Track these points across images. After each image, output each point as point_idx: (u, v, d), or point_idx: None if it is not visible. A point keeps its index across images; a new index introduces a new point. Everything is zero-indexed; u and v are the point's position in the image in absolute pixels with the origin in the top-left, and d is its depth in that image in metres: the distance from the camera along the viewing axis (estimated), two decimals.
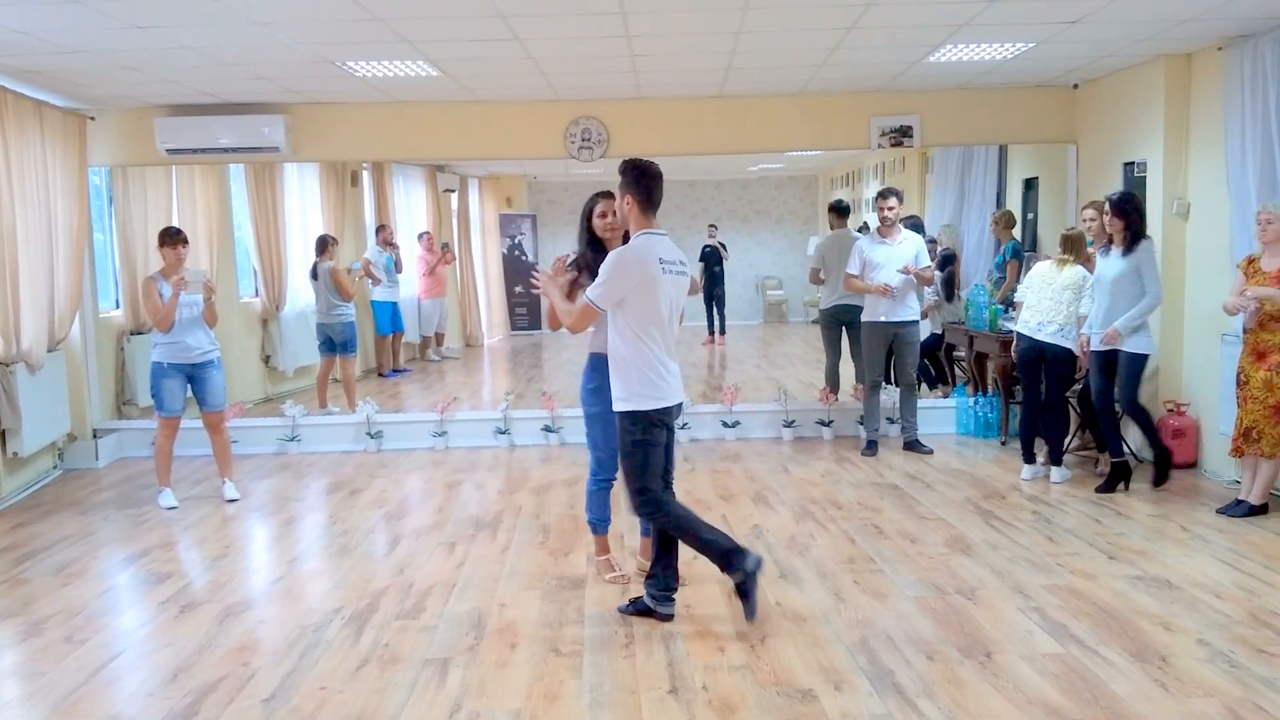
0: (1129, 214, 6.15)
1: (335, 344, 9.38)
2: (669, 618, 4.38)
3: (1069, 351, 6.44)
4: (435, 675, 3.91)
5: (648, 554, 4.81)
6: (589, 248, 4.73)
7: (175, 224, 8.79)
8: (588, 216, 4.78)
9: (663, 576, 4.41)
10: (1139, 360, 6.23)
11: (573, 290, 4.56)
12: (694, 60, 6.79)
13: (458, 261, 14.06)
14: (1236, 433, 5.74)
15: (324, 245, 9.37)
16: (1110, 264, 6.25)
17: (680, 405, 4.39)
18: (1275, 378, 5.55)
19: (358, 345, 9.64)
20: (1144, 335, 6.25)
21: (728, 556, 4.22)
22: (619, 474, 4.50)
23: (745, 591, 4.21)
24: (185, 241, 6.60)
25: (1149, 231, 6.36)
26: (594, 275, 4.30)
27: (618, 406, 4.28)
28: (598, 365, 4.58)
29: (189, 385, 6.59)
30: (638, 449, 4.26)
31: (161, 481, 6.63)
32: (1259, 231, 5.63)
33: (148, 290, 6.45)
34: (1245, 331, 5.73)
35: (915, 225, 9.32)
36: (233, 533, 6.07)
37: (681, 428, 8.30)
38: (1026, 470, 6.73)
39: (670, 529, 4.33)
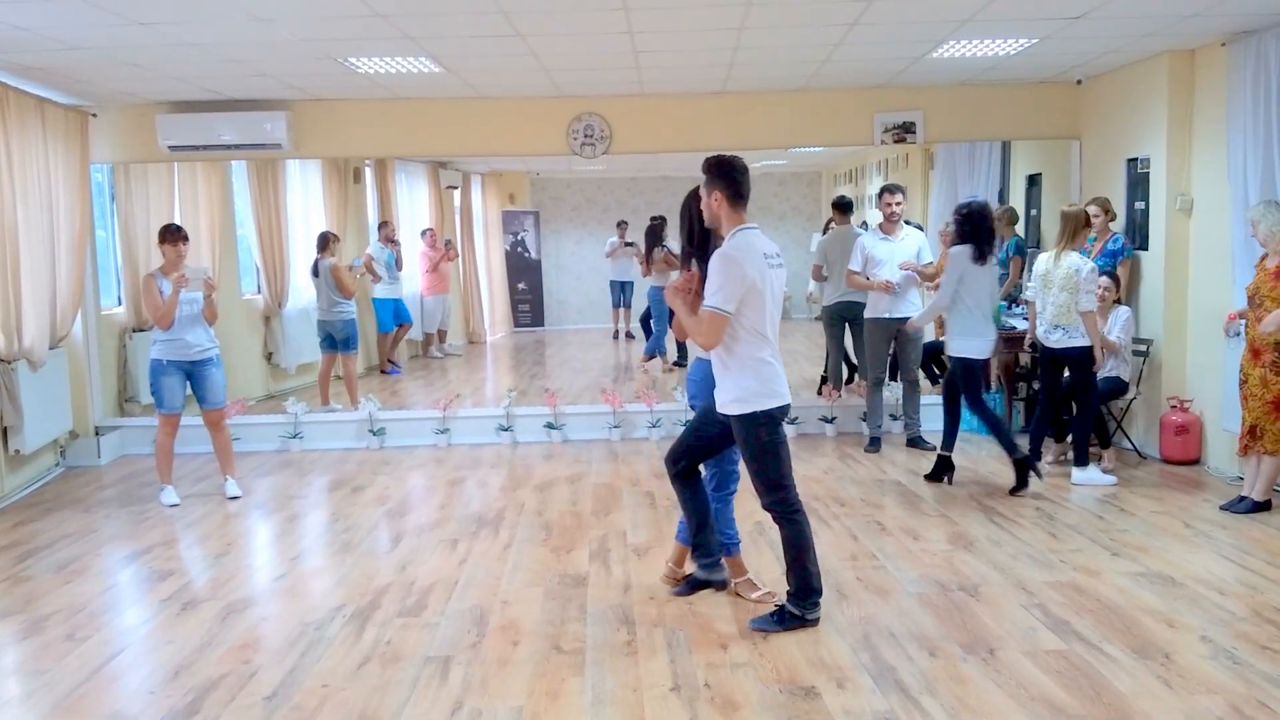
0: (967, 220, 6.44)
1: (336, 341, 9.38)
2: (724, 584, 4.54)
3: (1081, 350, 6.38)
4: (437, 673, 3.91)
5: (681, 561, 4.77)
6: (694, 243, 4.42)
7: (177, 221, 8.81)
8: (697, 212, 4.36)
9: (706, 545, 4.48)
10: (955, 363, 6.51)
11: (695, 299, 4.23)
12: (697, 56, 6.78)
13: (460, 258, 14.06)
14: (1243, 431, 5.74)
15: (325, 242, 9.36)
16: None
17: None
18: (1270, 374, 5.56)
19: (359, 343, 9.63)
20: (959, 339, 6.45)
21: (809, 594, 4.23)
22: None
23: (780, 619, 4.23)
24: (185, 239, 6.59)
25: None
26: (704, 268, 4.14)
27: (737, 410, 4.11)
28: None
29: (189, 383, 6.58)
30: (768, 450, 4.16)
31: (163, 479, 6.63)
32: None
33: (148, 287, 6.44)
34: (1245, 328, 5.75)
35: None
36: (235, 530, 6.08)
37: (684, 424, 8.27)
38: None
39: (791, 536, 4.23)
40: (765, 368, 4.12)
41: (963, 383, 6.49)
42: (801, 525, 4.24)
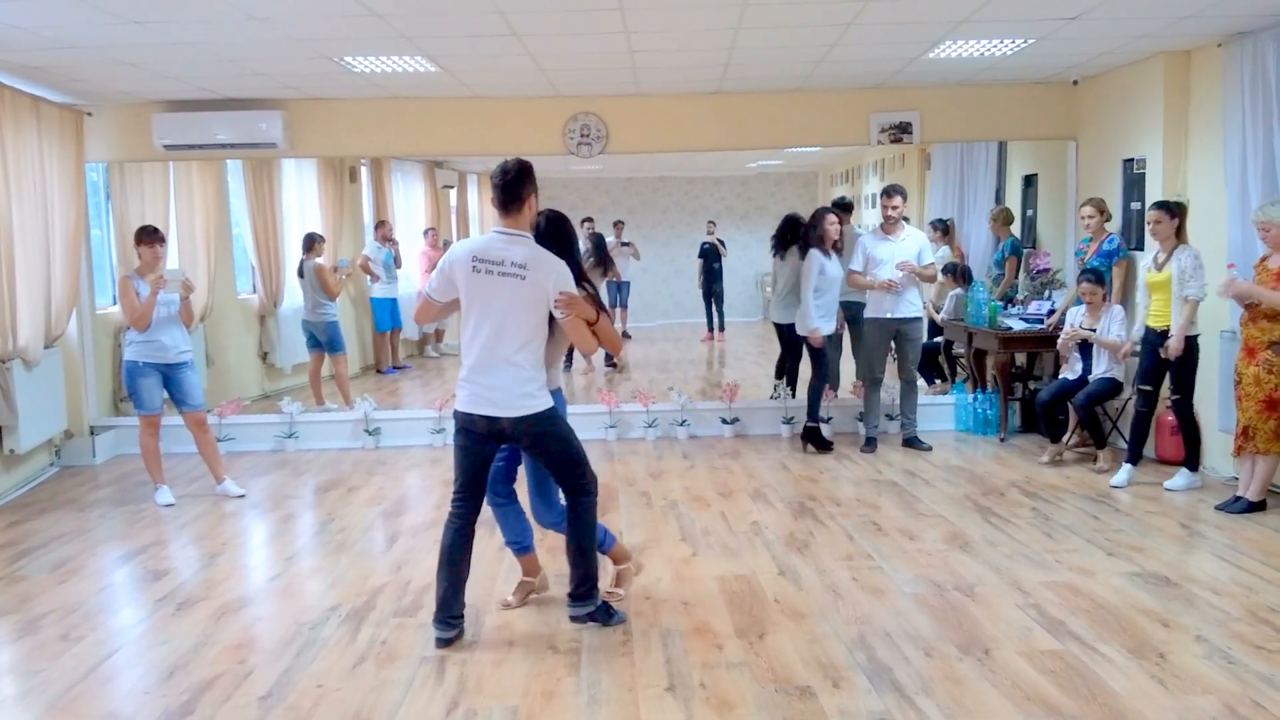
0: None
1: (320, 342, 9.35)
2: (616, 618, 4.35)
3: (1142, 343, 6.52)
4: (432, 673, 3.91)
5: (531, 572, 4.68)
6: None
7: (173, 220, 8.82)
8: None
9: (582, 585, 4.28)
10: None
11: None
12: (693, 57, 6.77)
13: None
14: (1237, 432, 5.74)
15: (310, 243, 9.35)
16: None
17: (502, 420, 4.01)
18: (1263, 373, 5.57)
19: (344, 343, 9.57)
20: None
21: (437, 614, 4.16)
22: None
23: (443, 643, 4.14)
24: (162, 240, 6.56)
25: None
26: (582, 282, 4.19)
27: None
28: None
29: (165, 386, 6.53)
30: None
31: (155, 480, 6.61)
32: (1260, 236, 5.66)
33: (124, 289, 6.39)
34: (1241, 327, 5.75)
35: (944, 226, 9.42)
36: (229, 530, 6.06)
37: (680, 424, 8.30)
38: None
39: (442, 539, 4.21)
40: (462, 371, 4.08)
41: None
42: (446, 535, 4.19)
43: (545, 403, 4.07)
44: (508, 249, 4.02)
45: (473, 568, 5.11)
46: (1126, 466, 6.47)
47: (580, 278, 4.20)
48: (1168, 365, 6.28)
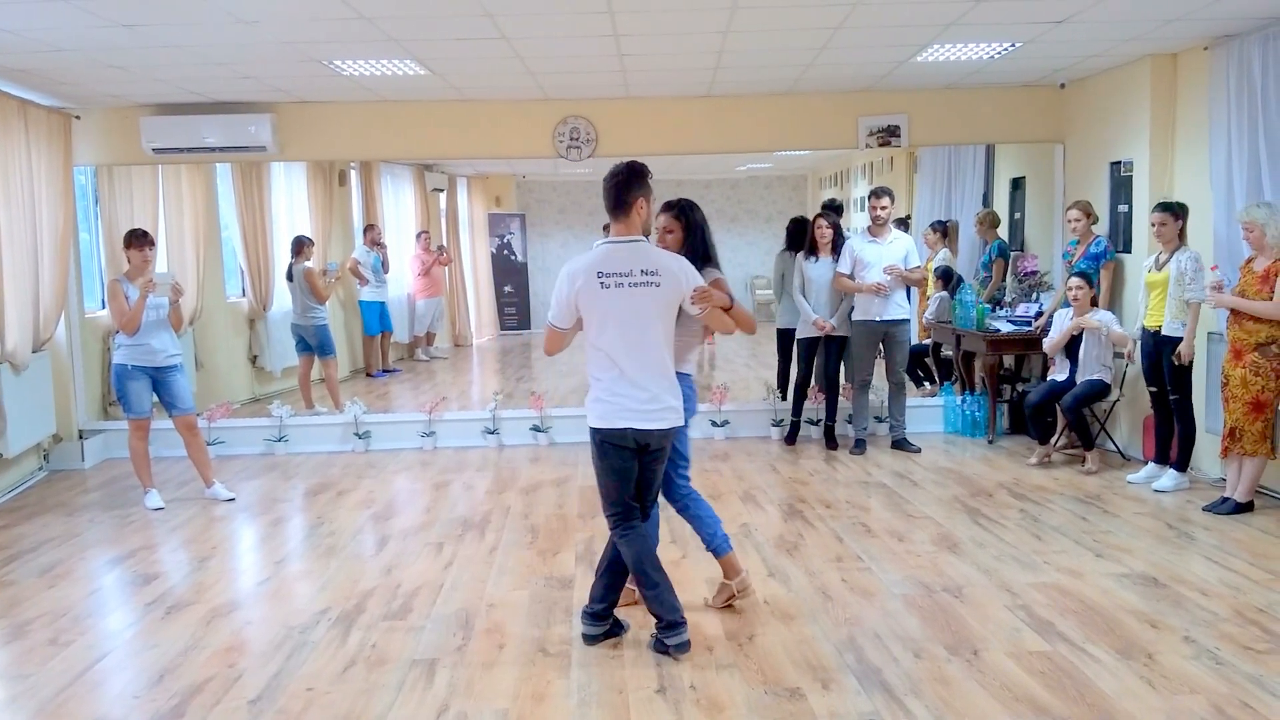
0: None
1: (310, 345, 9.34)
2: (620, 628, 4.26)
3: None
4: (422, 676, 3.91)
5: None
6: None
7: (162, 223, 8.79)
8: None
9: (611, 607, 4.23)
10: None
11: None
12: (682, 60, 6.79)
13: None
14: (1224, 434, 5.77)
15: (299, 247, 9.33)
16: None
17: (653, 433, 3.95)
18: (1250, 375, 5.60)
19: (334, 347, 9.56)
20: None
21: (665, 621, 4.01)
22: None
23: (662, 649, 4.03)
24: (151, 243, 6.53)
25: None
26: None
27: (589, 422, 4.05)
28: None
29: (154, 389, 6.51)
30: (596, 467, 4.09)
31: (144, 483, 6.59)
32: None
33: (113, 293, 6.37)
34: (1228, 329, 5.78)
35: (943, 227, 9.42)
36: (219, 534, 6.05)
37: None
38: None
39: (626, 557, 4.07)
40: (601, 387, 3.95)
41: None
42: (625, 548, 4.06)
43: (682, 418, 4.09)
44: (632, 258, 3.92)
45: (462, 571, 5.15)
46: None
47: (712, 261, 4.34)
48: (1161, 365, 6.31)
